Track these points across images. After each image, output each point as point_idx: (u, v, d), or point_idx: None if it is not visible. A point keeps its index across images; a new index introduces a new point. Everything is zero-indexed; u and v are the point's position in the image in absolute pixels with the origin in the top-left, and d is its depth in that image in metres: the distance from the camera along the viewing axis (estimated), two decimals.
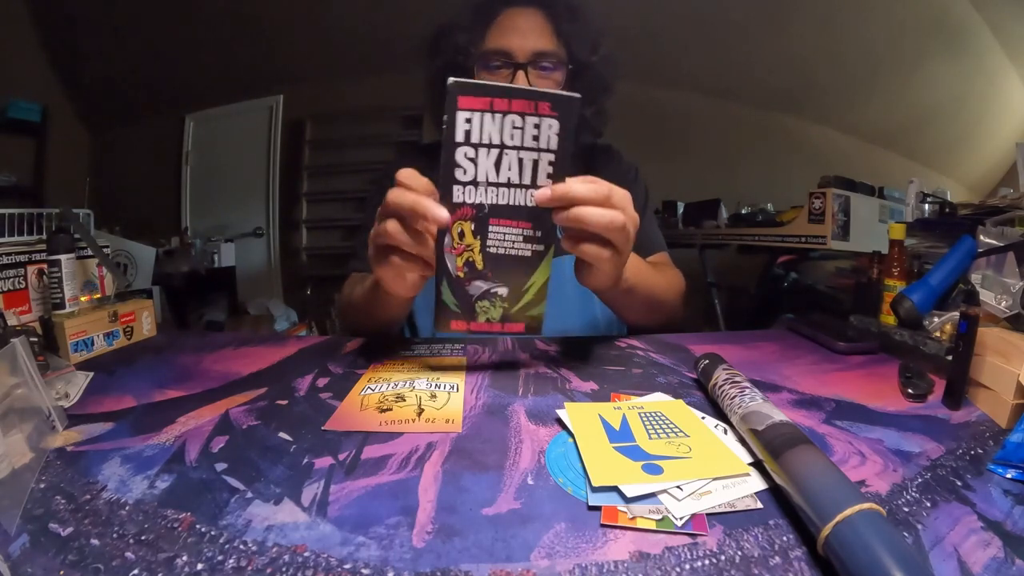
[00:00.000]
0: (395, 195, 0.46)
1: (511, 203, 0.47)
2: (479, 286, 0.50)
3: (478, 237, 0.48)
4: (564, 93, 0.45)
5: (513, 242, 0.49)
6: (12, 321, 0.61)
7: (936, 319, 0.61)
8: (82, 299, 0.66)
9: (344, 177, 3.11)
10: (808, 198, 1.95)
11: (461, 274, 0.49)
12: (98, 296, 0.71)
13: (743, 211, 2.53)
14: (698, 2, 2.44)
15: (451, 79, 0.44)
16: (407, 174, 0.47)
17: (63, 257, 0.63)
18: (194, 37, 2.67)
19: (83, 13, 2.53)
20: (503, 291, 0.50)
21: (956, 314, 0.55)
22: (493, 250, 0.49)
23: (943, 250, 0.73)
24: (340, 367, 0.57)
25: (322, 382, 0.52)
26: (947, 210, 0.90)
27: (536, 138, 0.45)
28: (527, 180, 0.47)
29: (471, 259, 0.49)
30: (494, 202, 0.47)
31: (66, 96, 2.91)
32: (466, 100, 0.44)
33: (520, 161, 0.46)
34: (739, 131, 3.09)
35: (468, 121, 0.45)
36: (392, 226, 0.47)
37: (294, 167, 3.22)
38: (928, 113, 2.83)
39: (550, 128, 0.45)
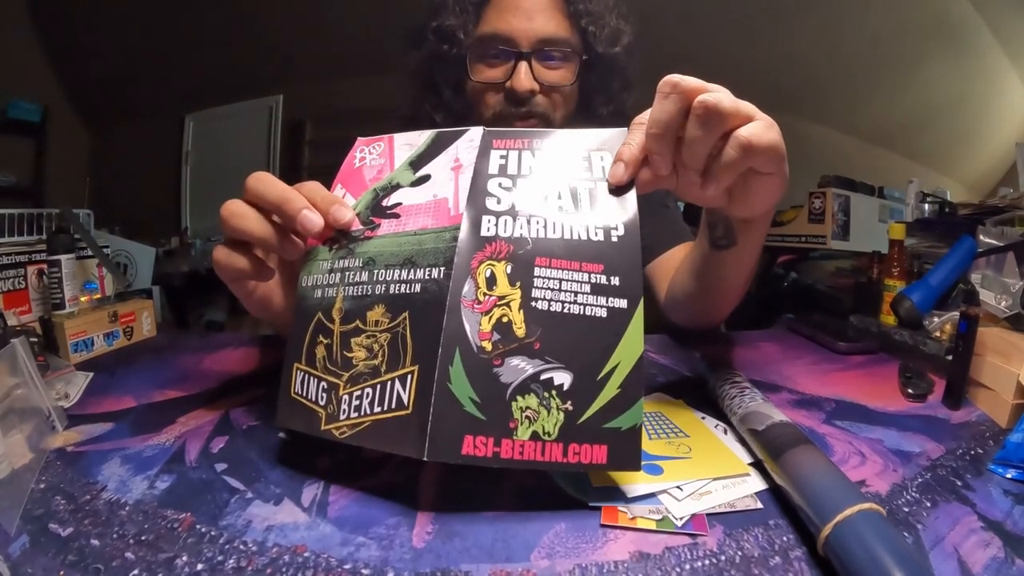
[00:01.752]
0: (257, 181, 0.37)
1: (567, 237, 0.33)
2: (519, 367, 0.30)
3: (518, 284, 0.32)
4: (610, 130, 0.38)
5: (575, 294, 0.32)
6: (12, 321, 0.61)
7: (936, 319, 0.61)
8: (82, 299, 0.66)
9: None
10: (808, 198, 1.95)
11: (487, 344, 0.31)
12: (98, 296, 0.71)
13: None
14: (698, 2, 2.44)
15: (481, 128, 0.39)
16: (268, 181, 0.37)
17: (63, 257, 0.63)
18: (194, 37, 2.67)
19: (83, 13, 2.53)
20: (564, 378, 0.30)
21: (956, 314, 0.55)
22: (543, 305, 0.32)
23: (943, 250, 0.73)
24: None
25: None
26: (947, 210, 0.90)
27: (588, 169, 0.37)
28: (585, 207, 0.35)
29: (506, 319, 0.31)
30: (541, 236, 0.34)
31: (66, 96, 2.91)
32: (501, 142, 0.38)
33: (573, 191, 0.36)
34: None
35: (503, 158, 0.38)
36: (243, 208, 0.37)
37: (294, 167, 3.21)
38: (928, 113, 2.83)
39: (602, 160, 0.37)
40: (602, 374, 0.30)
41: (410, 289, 0.34)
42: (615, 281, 0.32)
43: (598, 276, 0.32)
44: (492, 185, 0.36)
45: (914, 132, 2.93)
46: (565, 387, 0.30)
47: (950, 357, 0.49)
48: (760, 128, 0.33)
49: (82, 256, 0.70)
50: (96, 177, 3.05)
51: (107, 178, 3.08)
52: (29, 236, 0.69)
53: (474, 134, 0.39)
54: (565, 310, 0.31)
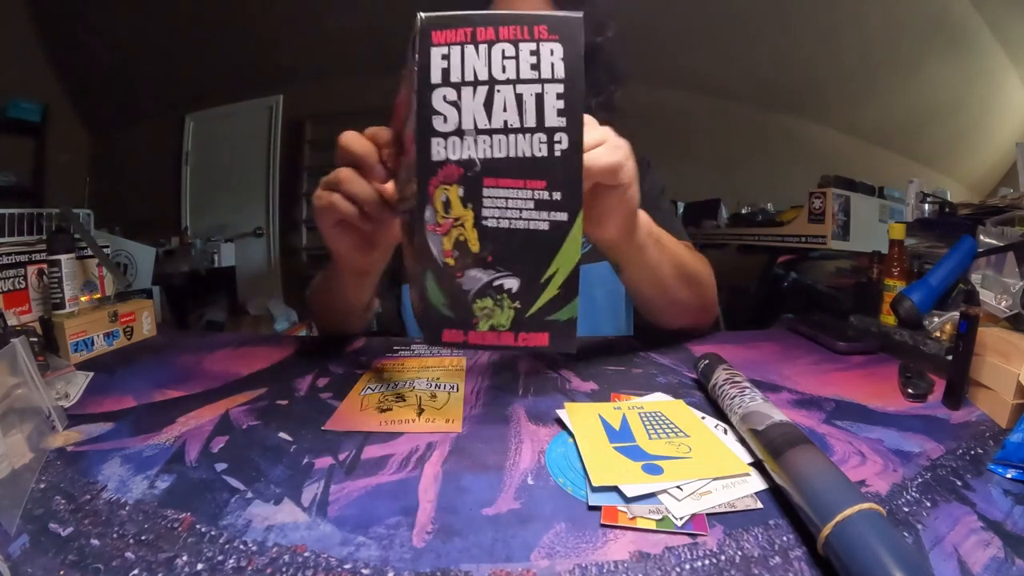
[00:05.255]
0: (349, 138, 0.43)
1: (512, 154, 0.35)
2: (476, 277, 0.37)
3: (470, 206, 0.36)
4: (562, 13, 0.36)
5: (520, 210, 0.36)
6: (12, 321, 0.61)
7: (936, 319, 0.61)
8: (82, 299, 0.66)
9: None
10: (808, 198, 1.95)
11: (450, 260, 0.37)
12: (98, 296, 0.71)
13: (743, 211, 2.54)
14: (698, 2, 2.44)
15: (422, 14, 0.35)
16: (351, 134, 0.44)
17: (63, 257, 0.63)
18: (194, 37, 2.67)
19: (83, 13, 2.53)
20: (512, 283, 0.37)
21: (956, 314, 0.55)
22: (492, 223, 0.36)
23: (943, 250, 0.73)
24: (340, 367, 0.57)
25: (322, 382, 0.52)
26: (947, 210, 0.90)
27: (536, 67, 0.35)
28: (531, 121, 0.35)
29: (462, 238, 0.36)
30: (488, 156, 0.36)
31: (66, 96, 2.91)
32: (442, 34, 0.35)
33: (519, 98, 0.35)
34: (739, 131, 3.09)
35: (445, 58, 0.35)
36: (346, 172, 0.43)
37: (294, 167, 3.22)
38: (928, 113, 2.83)
39: (552, 54, 0.35)
40: (544, 278, 0.37)
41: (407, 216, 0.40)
42: (556, 196, 0.36)
43: (541, 192, 0.36)
44: (437, 99, 0.35)
45: (914, 132, 2.93)
46: (514, 290, 0.37)
47: (950, 357, 0.49)
48: (601, 152, 0.42)
49: (82, 256, 0.70)
50: (96, 177, 3.06)
51: (107, 178, 3.09)
52: (29, 236, 0.69)
53: (419, 21, 0.36)
54: (512, 226, 0.36)
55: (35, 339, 0.56)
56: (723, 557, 0.27)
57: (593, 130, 0.43)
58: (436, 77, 0.35)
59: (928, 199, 0.99)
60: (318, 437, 0.40)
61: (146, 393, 0.50)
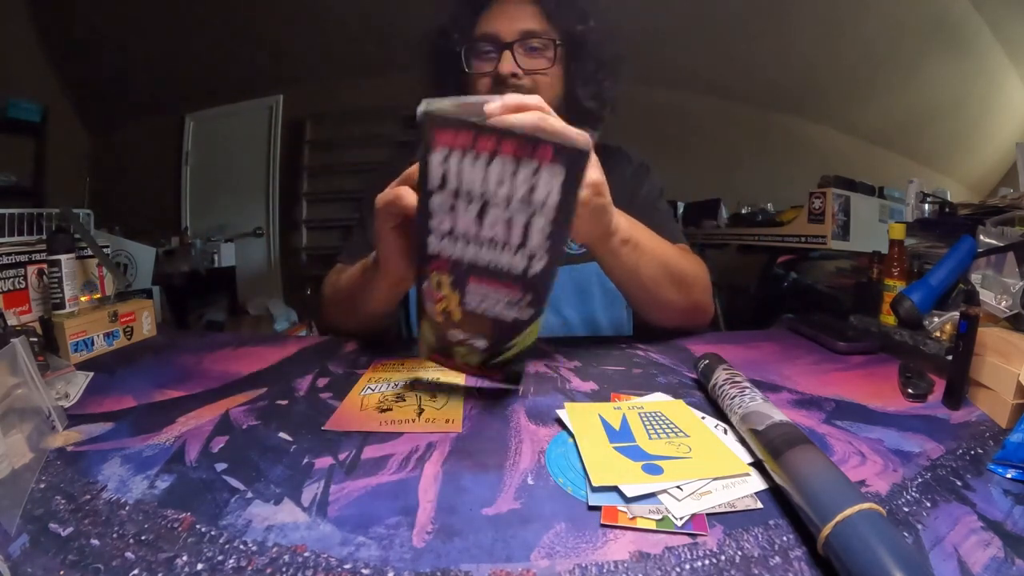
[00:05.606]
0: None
1: (494, 265, 0.39)
2: (456, 335, 0.45)
3: (456, 291, 0.41)
4: (572, 141, 0.34)
5: (495, 305, 0.42)
6: (12, 321, 0.61)
7: (936, 319, 0.61)
8: (82, 299, 0.66)
9: (344, 177, 3.11)
10: (808, 198, 1.95)
11: (439, 319, 0.44)
12: (98, 296, 0.71)
13: (743, 211, 2.54)
14: (698, 2, 2.44)
15: (423, 103, 0.35)
16: None
17: (63, 257, 0.63)
18: (194, 37, 2.67)
19: (83, 13, 2.53)
20: (482, 344, 0.45)
21: (956, 314, 0.55)
22: (471, 307, 0.42)
23: (943, 250, 0.73)
24: (340, 367, 0.57)
25: (322, 382, 0.52)
26: (947, 210, 0.90)
27: (532, 191, 0.35)
28: (516, 240, 0.38)
29: (448, 309, 0.43)
30: (474, 260, 0.39)
31: (66, 96, 2.91)
32: (444, 136, 0.35)
33: (509, 221, 0.37)
34: (739, 131, 3.09)
35: (445, 161, 0.35)
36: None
37: (294, 167, 3.22)
38: (928, 113, 2.83)
39: (552, 178, 0.35)
40: (505, 347, 0.45)
41: None
42: (527, 299, 0.41)
43: (515, 295, 0.41)
44: (435, 203, 0.37)
45: (914, 132, 2.93)
46: (482, 348, 0.46)
47: (950, 357, 0.49)
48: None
49: (82, 256, 0.70)
50: (96, 177, 3.06)
51: (107, 178, 3.08)
52: (29, 236, 0.69)
53: (420, 116, 0.35)
54: (487, 313, 0.42)
55: (35, 339, 0.56)
56: (723, 557, 0.27)
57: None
58: (435, 182, 0.36)
59: (928, 199, 0.99)
60: (318, 437, 0.40)
61: (146, 393, 0.50)
